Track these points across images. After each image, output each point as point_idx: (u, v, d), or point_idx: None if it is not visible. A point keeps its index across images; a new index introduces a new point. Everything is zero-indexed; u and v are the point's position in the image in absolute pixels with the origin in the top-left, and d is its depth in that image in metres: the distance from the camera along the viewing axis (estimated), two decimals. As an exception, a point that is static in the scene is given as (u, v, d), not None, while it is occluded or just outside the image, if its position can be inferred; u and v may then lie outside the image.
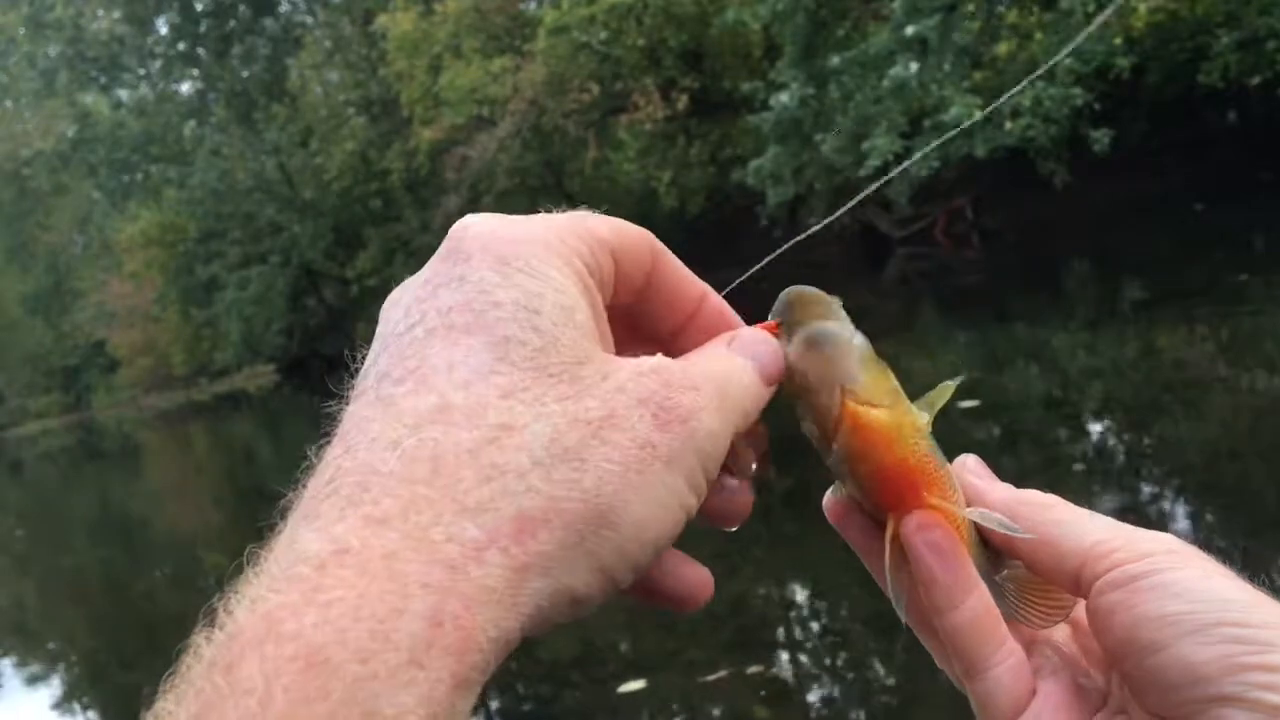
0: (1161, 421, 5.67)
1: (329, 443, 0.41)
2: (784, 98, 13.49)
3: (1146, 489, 4.88)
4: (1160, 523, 4.38)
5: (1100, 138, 12.18)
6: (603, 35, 16.32)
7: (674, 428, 0.43)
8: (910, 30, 12.24)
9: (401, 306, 0.45)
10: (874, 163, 12.40)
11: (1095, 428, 5.92)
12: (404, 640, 0.35)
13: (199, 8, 33.07)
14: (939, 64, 12.37)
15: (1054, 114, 11.84)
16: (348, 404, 0.43)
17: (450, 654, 0.35)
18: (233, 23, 31.84)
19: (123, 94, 36.69)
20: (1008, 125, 11.98)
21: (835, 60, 13.24)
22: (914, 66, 12.26)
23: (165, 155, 31.20)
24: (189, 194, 27.69)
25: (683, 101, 17.89)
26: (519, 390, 0.41)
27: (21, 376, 50.87)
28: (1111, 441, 5.65)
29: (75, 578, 9.47)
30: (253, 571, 0.38)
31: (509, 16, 19.40)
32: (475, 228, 0.45)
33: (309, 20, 29.15)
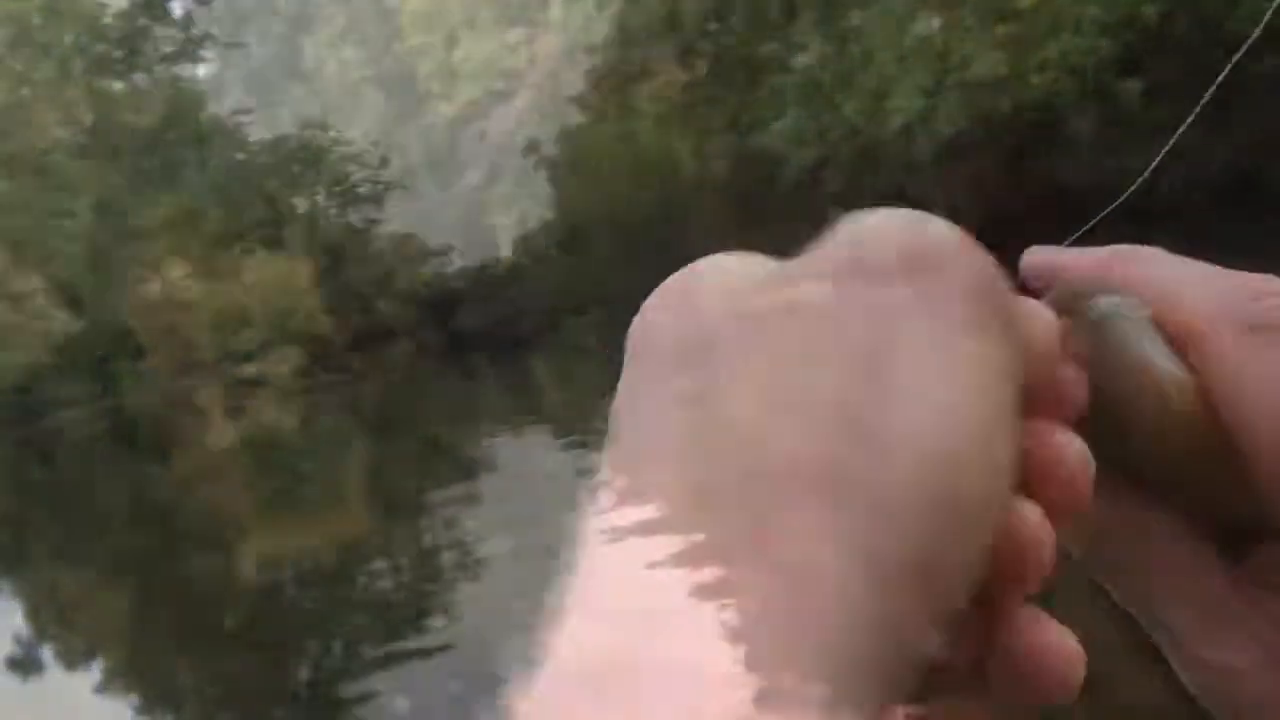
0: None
1: None
2: (804, 58, 13.35)
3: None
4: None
5: (1130, 88, 11.96)
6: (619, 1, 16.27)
7: None
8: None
9: None
10: (897, 122, 12.23)
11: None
12: None
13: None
14: (962, 19, 12.19)
15: (1079, 66, 11.63)
16: None
17: None
18: (248, 2, 31.89)
19: (140, 78, 37.18)
20: (1034, 79, 11.78)
21: (855, 18, 13.07)
22: (936, 23, 12.08)
23: (182, 139, 31.41)
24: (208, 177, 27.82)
25: (701, 67, 17.76)
26: None
27: None
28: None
29: None
30: None
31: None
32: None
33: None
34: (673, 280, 0.27)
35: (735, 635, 0.20)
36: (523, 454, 10.18)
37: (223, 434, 19.13)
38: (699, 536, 0.22)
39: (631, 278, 13.64)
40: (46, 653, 6.84)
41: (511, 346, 24.65)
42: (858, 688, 0.22)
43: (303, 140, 34.11)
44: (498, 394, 18.45)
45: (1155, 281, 0.36)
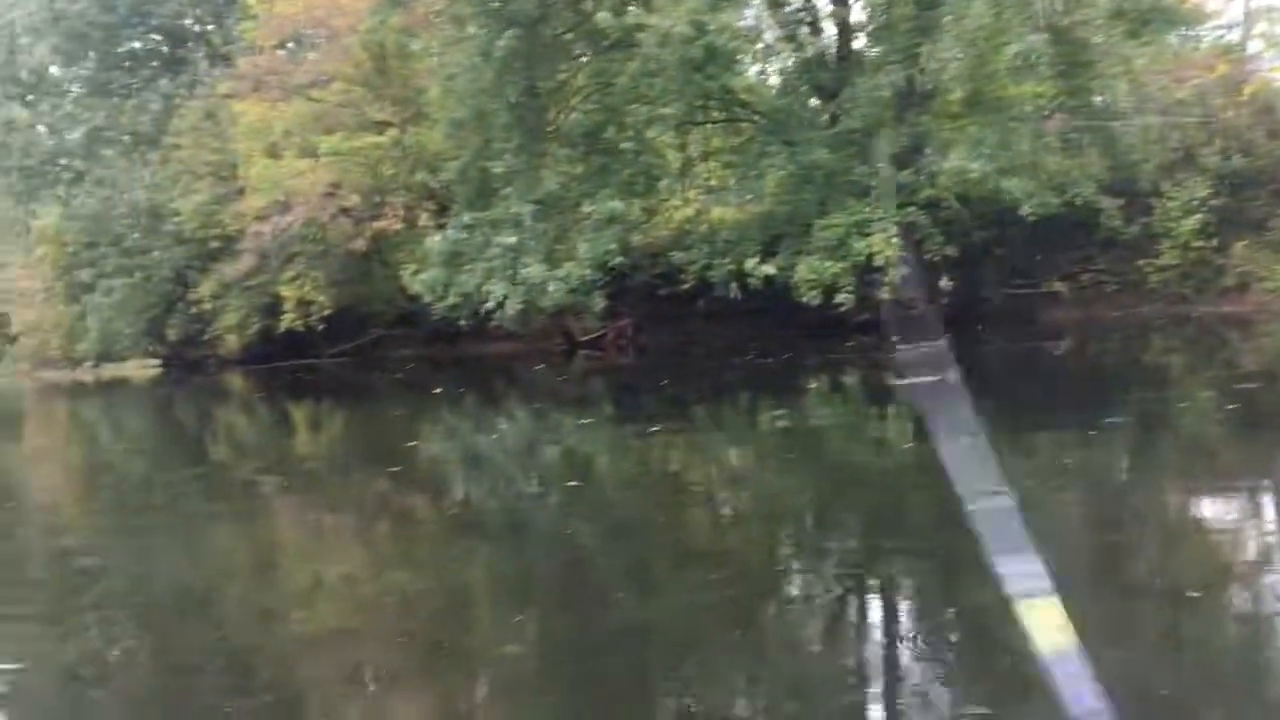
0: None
1: None
2: (449, 234, 22.27)
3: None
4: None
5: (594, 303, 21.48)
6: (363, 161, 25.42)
7: None
8: (513, 209, 21.19)
9: None
10: (490, 304, 21.16)
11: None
12: None
13: (120, 50, 40.85)
14: (529, 238, 21.31)
15: (574, 286, 20.93)
16: None
17: None
18: (141, 74, 39.58)
19: (44, 107, 43.86)
20: (551, 287, 20.97)
21: (466, 217, 22.02)
22: (512, 239, 21.14)
23: (66, 172, 38.77)
24: (73, 211, 35.34)
25: (422, 218, 26.58)
26: None
27: None
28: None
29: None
30: None
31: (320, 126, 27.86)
32: None
33: (204, 83, 36.46)
34: None
35: None
36: None
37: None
38: None
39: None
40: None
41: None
42: None
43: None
44: None
45: None
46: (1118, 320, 21.21)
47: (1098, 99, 20.70)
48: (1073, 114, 21.18)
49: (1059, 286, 22.37)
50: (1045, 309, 22.57)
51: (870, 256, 19.68)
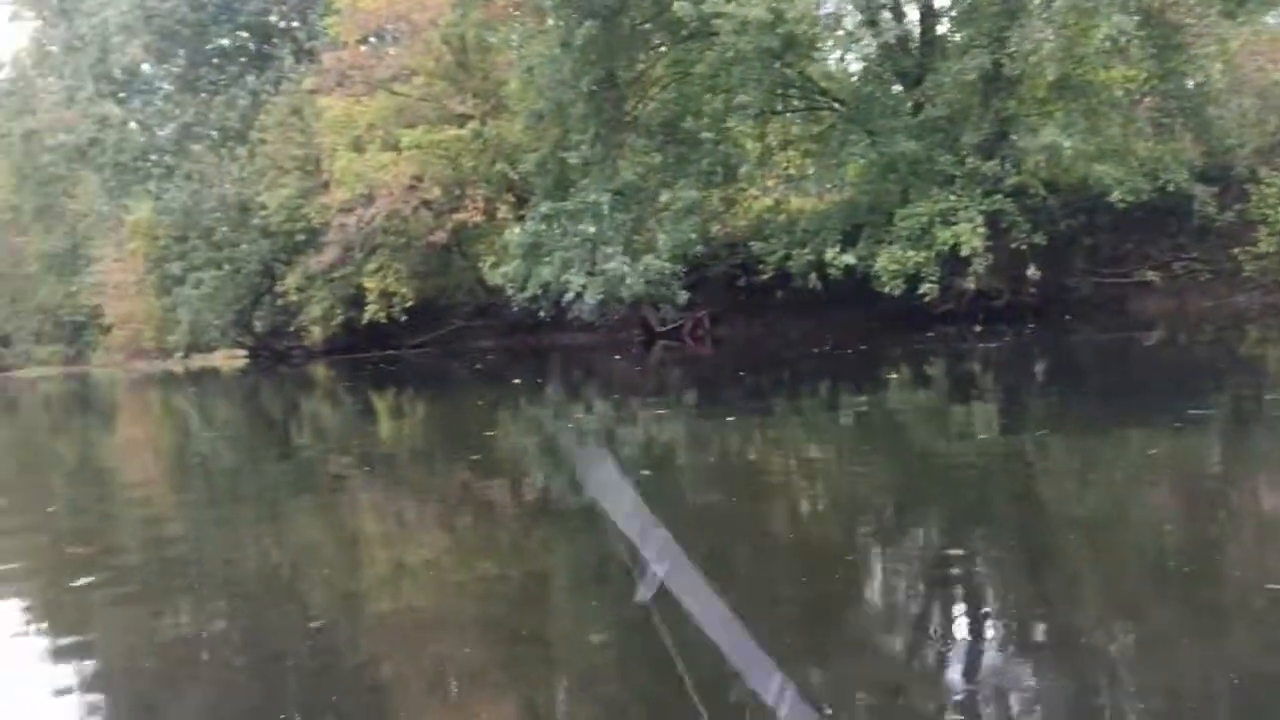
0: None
1: None
2: (528, 225, 22.43)
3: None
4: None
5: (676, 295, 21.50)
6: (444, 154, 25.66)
7: None
8: (591, 198, 21.29)
9: None
10: (570, 295, 21.32)
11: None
12: None
13: (209, 47, 41.83)
14: (608, 228, 21.38)
15: (653, 278, 20.92)
16: None
17: None
18: (229, 70, 40.51)
19: (136, 104, 45.12)
20: (630, 281, 21.05)
21: (545, 207, 22.18)
22: (591, 229, 21.23)
23: (157, 167, 39.85)
24: (164, 205, 36.28)
25: (502, 210, 26.83)
26: None
27: (31, 324, 56.80)
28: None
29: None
30: None
31: (402, 119, 28.28)
32: None
33: (290, 78, 37.16)
34: None
35: None
36: None
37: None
38: None
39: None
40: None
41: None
42: None
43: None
44: None
45: None
46: (1211, 310, 20.54)
47: (1191, 82, 20.06)
48: (1164, 97, 20.59)
49: (1150, 275, 21.74)
50: (1136, 299, 21.98)
51: (955, 246, 19.38)
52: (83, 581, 6.07)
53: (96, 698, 4.27)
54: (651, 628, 1.82)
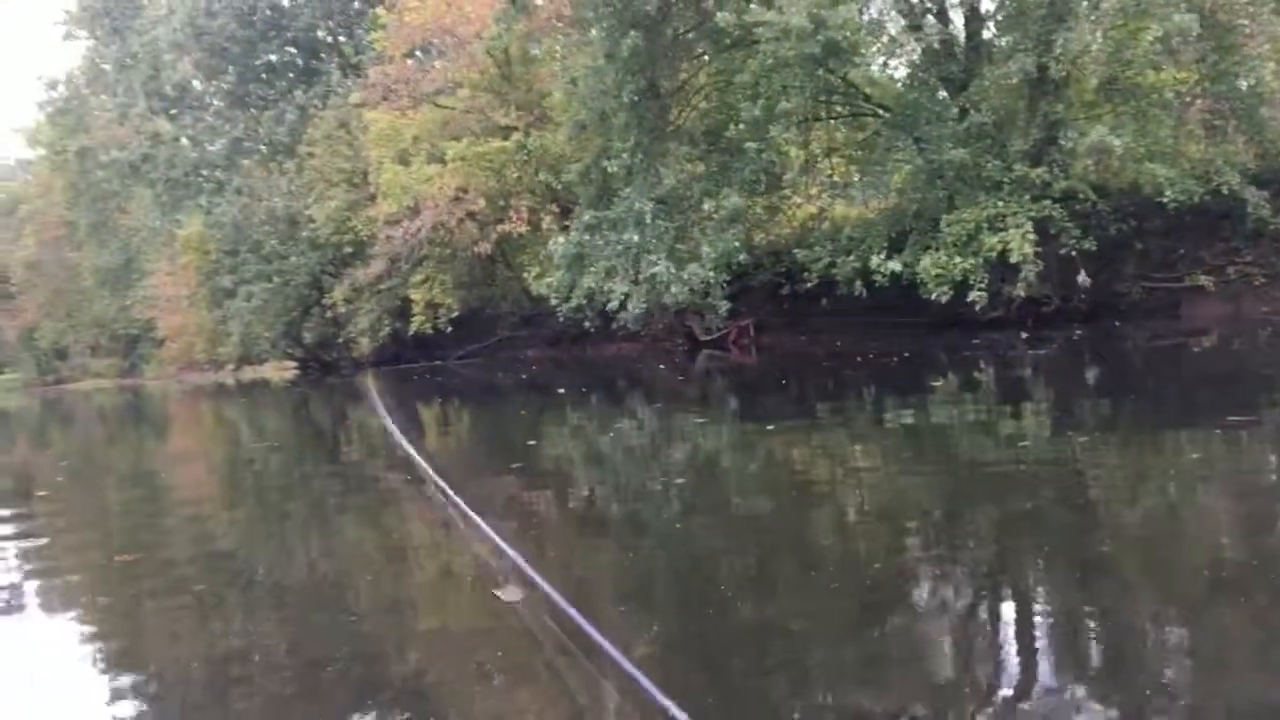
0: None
1: None
2: (572, 235, 22.48)
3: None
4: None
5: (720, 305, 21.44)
6: (488, 165, 25.74)
7: None
8: (634, 206, 21.28)
9: None
10: (613, 304, 21.34)
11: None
12: None
13: (258, 63, 42.51)
14: (651, 236, 21.35)
15: (697, 286, 20.90)
16: None
17: None
18: (277, 86, 41.14)
19: (187, 120, 46.07)
20: (673, 289, 21.03)
21: (588, 217, 22.20)
22: (635, 237, 21.21)
23: (208, 182, 40.58)
24: (214, 219, 36.86)
25: (546, 221, 26.95)
26: None
27: (86, 338, 58.12)
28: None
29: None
30: None
31: (447, 132, 28.50)
32: None
33: (337, 93, 37.70)
34: None
35: None
36: None
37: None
38: None
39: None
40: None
41: None
42: None
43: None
44: None
45: None
46: (1266, 316, 20.14)
47: (1243, 83, 19.73)
48: (1216, 99, 20.27)
49: (1203, 280, 21.39)
50: (1188, 304, 21.63)
51: (1003, 253, 19.20)
52: (130, 589, 6.15)
53: (144, 706, 4.32)
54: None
